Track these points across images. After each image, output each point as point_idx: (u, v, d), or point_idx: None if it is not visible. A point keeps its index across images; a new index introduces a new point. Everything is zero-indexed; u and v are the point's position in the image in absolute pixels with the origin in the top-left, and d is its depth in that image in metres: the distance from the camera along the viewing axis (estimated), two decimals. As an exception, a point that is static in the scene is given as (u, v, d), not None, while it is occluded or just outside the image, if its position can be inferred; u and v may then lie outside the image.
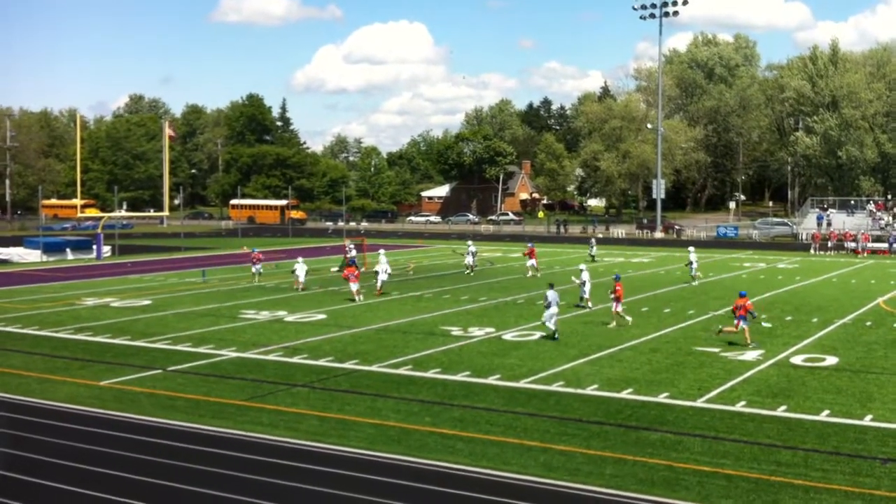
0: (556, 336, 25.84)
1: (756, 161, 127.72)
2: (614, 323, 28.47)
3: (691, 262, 41.81)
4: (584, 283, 32.92)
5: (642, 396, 19.01)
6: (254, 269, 42.99)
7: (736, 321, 24.93)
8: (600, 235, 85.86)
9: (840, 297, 35.97)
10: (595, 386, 19.97)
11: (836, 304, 33.67)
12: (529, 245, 46.01)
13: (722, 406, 18.19)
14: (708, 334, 26.67)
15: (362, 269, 40.72)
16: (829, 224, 73.21)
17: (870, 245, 62.16)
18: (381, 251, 42.84)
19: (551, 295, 26.34)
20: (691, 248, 43.86)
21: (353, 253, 43.82)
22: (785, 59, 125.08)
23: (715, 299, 35.16)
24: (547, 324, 26.08)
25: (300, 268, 39.22)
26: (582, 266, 35.73)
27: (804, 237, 73.65)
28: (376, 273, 37.71)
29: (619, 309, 28.67)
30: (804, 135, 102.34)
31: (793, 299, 35.41)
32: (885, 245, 61.99)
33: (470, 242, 49.99)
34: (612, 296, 29.03)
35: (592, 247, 56.35)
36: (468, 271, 45.74)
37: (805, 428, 16.63)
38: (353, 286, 35.07)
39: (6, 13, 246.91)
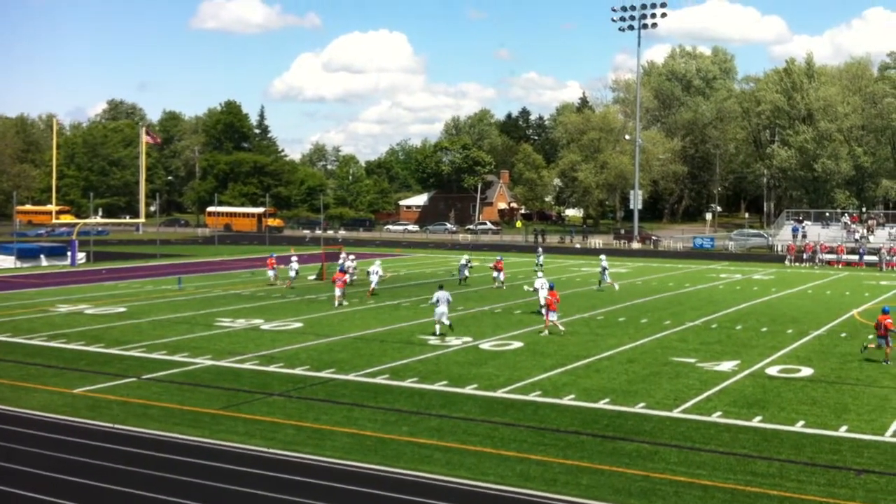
0: (451, 328, 28.43)
1: (733, 173, 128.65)
2: (546, 332, 28.59)
3: (604, 269, 43.51)
4: (537, 291, 33.08)
5: (619, 406, 19.04)
6: (270, 274, 45.52)
7: (879, 341, 24.31)
8: (578, 245, 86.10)
9: (815, 309, 36.22)
10: (572, 396, 19.99)
11: (811, 316, 33.90)
12: (498, 258, 45.69)
13: (698, 416, 18.25)
14: (684, 344, 26.79)
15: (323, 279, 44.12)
16: (804, 236, 73.77)
17: (844, 257, 62.69)
18: (378, 261, 44.20)
19: (439, 295, 28.35)
20: (602, 256, 46.33)
21: (349, 264, 43.63)
22: (761, 72, 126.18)
23: (690, 310, 35.32)
24: (442, 321, 28.13)
25: (293, 266, 42.60)
26: (540, 275, 36.84)
27: (779, 249, 74.21)
28: (368, 274, 40.74)
29: (553, 318, 28.65)
30: (780, 147, 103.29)
31: (768, 310, 35.62)
32: (856, 257, 62.46)
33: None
34: (543, 305, 29.20)
35: (539, 255, 54.45)
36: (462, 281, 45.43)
37: (780, 438, 16.70)
38: (338, 291, 35.93)
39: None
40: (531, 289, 34.13)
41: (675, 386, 21.07)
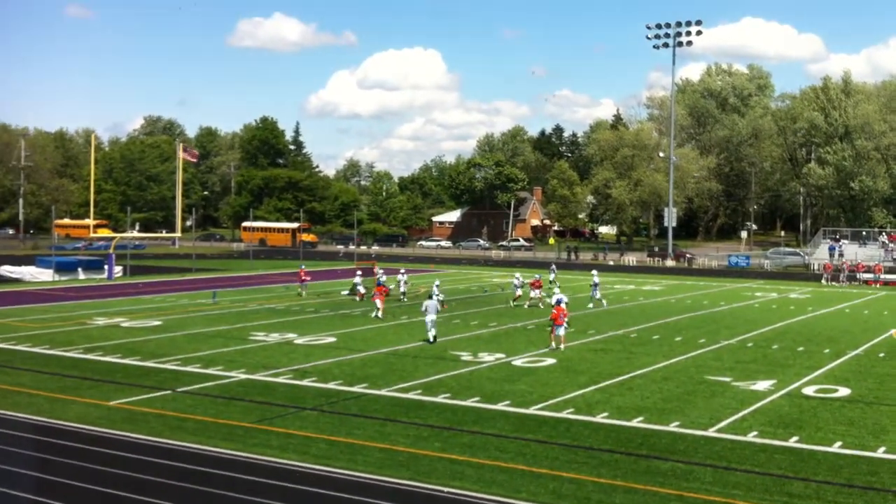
0: (434, 340, 29.85)
1: (768, 191, 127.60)
2: (553, 345, 29.17)
3: (595, 284, 43.58)
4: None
5: (653, 425, 18.89)
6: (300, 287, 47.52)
7: None
8: (611, 263, 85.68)
9: (852, 328, 35.78)
10: (605, 414, 19.87)
11: (849, 335, 33.48)
12: (536, 277, 45.36)
13: (733, 436, 18.06)
14: (719, 363, 26.56)
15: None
16: (841, 255, 72.96)
17: (883, 277, 61.92)
18: (402, 271, 46.63)
19: (428, 303, 30.57)
20: (594, 272, 46.00)
21: (383, 278, 44.02)
22: (797, 90, 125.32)
23: (725, 328, 35.03)
24: (429, 329, 30.18)
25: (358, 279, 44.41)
26: (557, 290, 38.59)
27: (816, 267, 73.45)
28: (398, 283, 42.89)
29: (559, 332, 29.15)
30: (817, 165, 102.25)
31: (804, 330, 35.24)
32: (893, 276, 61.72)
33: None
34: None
35: (553, 272, 54.09)
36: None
37: (817, 459, 16.49)
38: (379, 303, 37.65)
39: (26, 34, 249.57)
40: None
41: (711, 405, 20.88)
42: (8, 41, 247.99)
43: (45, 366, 25.44)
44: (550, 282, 50.35)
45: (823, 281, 62.46)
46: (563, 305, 29.95)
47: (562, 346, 28.89)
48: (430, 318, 30.12)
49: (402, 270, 47.93)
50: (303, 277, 47.97)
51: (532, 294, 43.14)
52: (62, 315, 37.46)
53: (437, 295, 38.19)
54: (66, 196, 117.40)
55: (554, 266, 58.64)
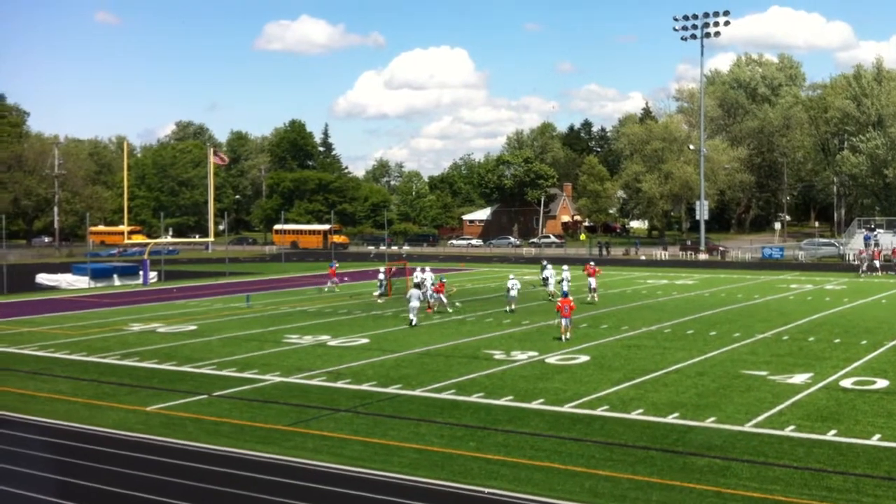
0: (414, 324, 34.18)
1: (801, 181, 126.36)
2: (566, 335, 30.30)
3: (564, 279, 42.43)
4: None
5: (689, 421, 18.78)
6: (329, 284, 47.81)
7: None
8: (643, 257, 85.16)
9: (890, 319, 35.34)
10: (640, 410, 19.78)
11: (886, 326, 33.07)
12: (592, 264, 45.07)
13: (770, 430, 17.91)
14: (754, 357, 26.35)
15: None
16: (876, 244, 72.04)
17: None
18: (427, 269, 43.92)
19: (412, 292, 35.44)
20: (565, 266, 44.85)
21: (426, 276, 43.56)
22: (828, 78, 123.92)
23: (761, 321, 34.73)
24: (410, 315, 34.55)
25: (428, 277, 41.52)
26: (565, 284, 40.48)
27: (851, 258, 72.54)
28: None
29: (564, 322, 30.35)
30: (850, 154, 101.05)
31: (841, 321, 34.87)
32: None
33: (546, 264, 49.49)
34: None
35: (545, 268, 48.97)
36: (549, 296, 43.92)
37: (856, 452, 16.32)
38: (443, 297, 39.16)
39: (55, 43, 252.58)
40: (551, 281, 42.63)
41: (747, 399, 20.72)
42: (38, 50, 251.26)
43: (83, 373, 25.73)
44: (543, 279, 47.53)
45: (860, 272, 61.36)
46: (569, 297, 31.62)
47: (568, 336, 30.25)
48: (413, 304, 34.64)
49: (426, 269, 46.11)
50: (333, 275, 48.15)
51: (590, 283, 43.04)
52: (99, 322, 37.87)
53: (427, 290, 39.70)
54: (100, 203, 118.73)
55: (545, 262, 56.47)
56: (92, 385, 23.83)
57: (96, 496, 14.58)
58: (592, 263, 45.29)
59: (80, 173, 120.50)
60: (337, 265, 52.93)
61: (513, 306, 39.03)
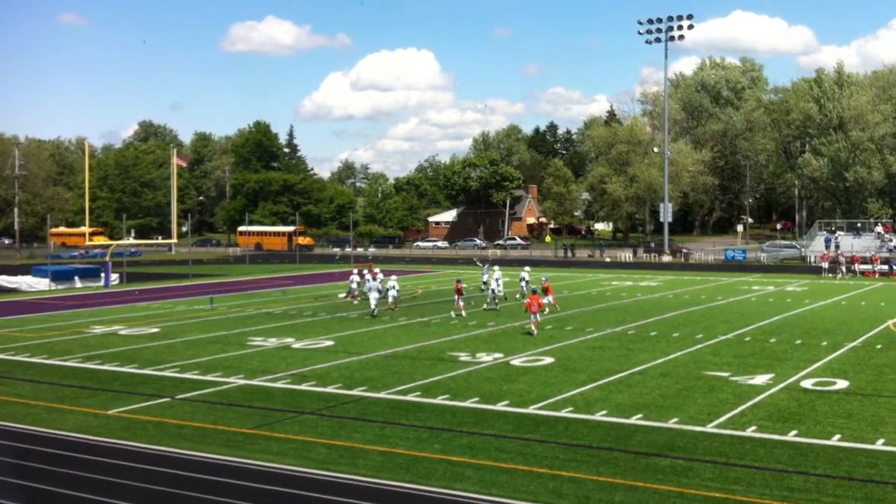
0: (375, 314, 37.69)
1: (763, 183, 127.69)
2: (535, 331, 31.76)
3: (524, 280, 44.77)
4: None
5: (652, 422, 18.90)
6: (353, 286, 45.92)
7: None
8: (607, 259, 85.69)
9: (849, 320, 35.82)
10: (604, 412, 19.87)
11: (846, 328, 33.51)
12: (544, 279, 41.86)
13: (732, 431, 18.07)
14: (717, 358, 26.58)
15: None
16: (836, 247, 73.01)
17: (878, 267, 61.88)
18: (393, 277, 43.90)
19: (371, 284, 39.50)
20: (527, 268, 47.84)
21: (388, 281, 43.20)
22: (789, 82, 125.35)
23: (723, 323, 35.06)
24: (371, 306, 38.07)
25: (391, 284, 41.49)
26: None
27: (812, 260, 73.44)
28: (387, 290, 41.16)
29: (533, 318, 32.07)
30: (811, 157, 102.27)
31: (802, 322, 35.28)
32: (886, 267, 61.66)
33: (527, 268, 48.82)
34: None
35: (485, 272, 48.81)
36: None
37: (816, 453, 16.51)
38: (461, 302, 39.09)
39: (18, 43, 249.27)
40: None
41: (709, 400, 20.89)
42: (0, 49, 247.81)
43: (44, 375, 25.40)
44: (483, 283, 47.26)
45: (823, 273, 62.19)
46: (537, 294, 33.37)
47: (535, 331, 31.67)
48: (374, 296, 38.44)
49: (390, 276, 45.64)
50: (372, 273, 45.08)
51: (545, 300, 41.88)
52: (60, 324, 37.42)
53: (392, 289, 40.92)
54: (62, 204, 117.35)
55: (481, 264, 55.85)
56: (53, 388, 23.52)
57: (55, 500, 14.38)
58: (545, 279, 43.19)
59: (42, 174, 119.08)
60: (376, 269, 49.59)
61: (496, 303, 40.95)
